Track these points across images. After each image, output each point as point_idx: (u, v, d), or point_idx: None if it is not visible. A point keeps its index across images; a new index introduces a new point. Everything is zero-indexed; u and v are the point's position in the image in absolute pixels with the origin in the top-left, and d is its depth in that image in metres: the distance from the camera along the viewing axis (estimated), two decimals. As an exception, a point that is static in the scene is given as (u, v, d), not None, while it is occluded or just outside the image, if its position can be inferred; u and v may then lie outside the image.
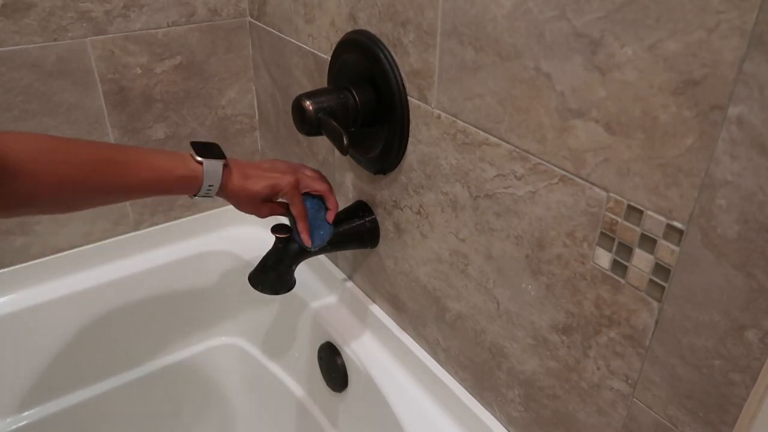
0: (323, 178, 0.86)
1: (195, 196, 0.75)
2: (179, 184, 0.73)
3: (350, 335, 0.98)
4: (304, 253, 0.87)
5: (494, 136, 0.64)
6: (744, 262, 0.45)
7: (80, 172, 0.64)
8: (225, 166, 0.75)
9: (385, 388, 0.89)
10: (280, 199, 0.82)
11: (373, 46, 0.77)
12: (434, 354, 0.88)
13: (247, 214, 0.82)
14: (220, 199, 0.79)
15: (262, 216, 0.82)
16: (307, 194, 0.84)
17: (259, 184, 0.78)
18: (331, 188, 0.86)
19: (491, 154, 0.66)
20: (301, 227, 0.83)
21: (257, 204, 0.80)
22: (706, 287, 0.49)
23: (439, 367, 0.87)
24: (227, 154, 0.77)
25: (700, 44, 0.44)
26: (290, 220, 0.84)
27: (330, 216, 0.86)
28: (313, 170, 0.86)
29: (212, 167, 0.74)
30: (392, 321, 0.95)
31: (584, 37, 0.52)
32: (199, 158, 0.73)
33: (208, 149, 0.75)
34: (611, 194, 0.54)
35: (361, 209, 0.92)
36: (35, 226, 1.06)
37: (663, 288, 0.52)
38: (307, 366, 1.08)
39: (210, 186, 0.74)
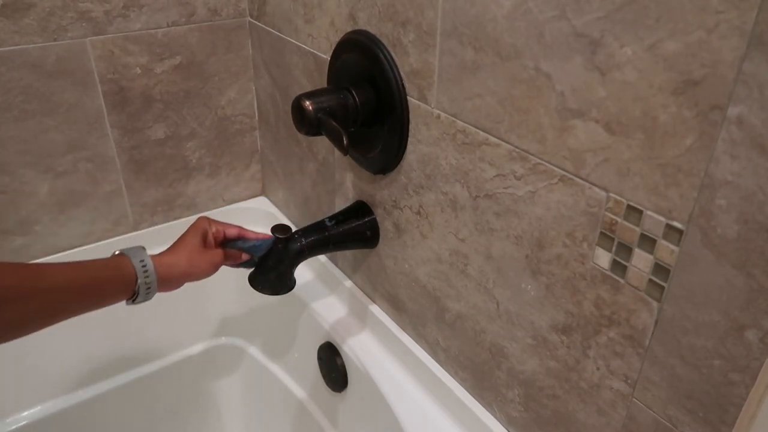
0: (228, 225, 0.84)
1: (136, 289, 0.68)
2: (108, 277, 0.66)
3: (350, 335, 0.98)
4: (304, 254, 0.87)
5: (494, 136, 0.64)
6: (744, 262, 0.45)
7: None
8: (143, 248, 0.71)
9: (385, 388, 0.89)
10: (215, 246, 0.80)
11: (372, 46, 0.77)
12: (434, 354, 0.88)
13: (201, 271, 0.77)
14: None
15: (219, 259, 0.79)
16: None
17: (185, 239, 0.76)
18: (238, 228, 0.84)
19: (491, 154, 0.66)
20: (249, 234, 0.83)
21: (202, 252, 0.76)
22: (705, 287, 0.49)
23: (439, 367, 0.87)
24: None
25: (700, 44, 0.44)
26: (239, 248, 0.83)
27: (259, 235, 0.85)
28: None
29: (134, 251, 0.70)
30: (392, 321, 0.95)
31: (584, 37, 0.52)
32: (117, 251, 0.69)
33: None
34: (611, 194, 0.54)
35: (361, 209, 0.92)
36: (35, 226, 1.06)
37: (663, 288, 0.52)
38: (307, 366, 1.08)
39: (143, 266, 0.68)
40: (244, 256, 0.84)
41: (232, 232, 0.82)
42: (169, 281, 0.72)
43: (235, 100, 1.18)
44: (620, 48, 0.49)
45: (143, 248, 0.71)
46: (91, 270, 0.65)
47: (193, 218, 1.21)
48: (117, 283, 0.67)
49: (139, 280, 0.68)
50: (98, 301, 0.65)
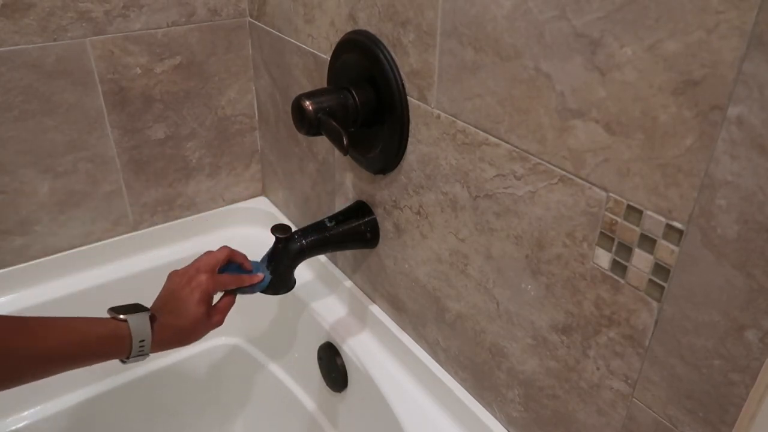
0: (217, 252, 0.80)
1: (127, 358, 0.68)
2: (103, 345, 0.66)
3: (350, 335, 0.98)
4: (304, 254, 0.87)
5: (494, 136, 0.64)
6: (744, 262, 0.45)
7: None
8: (152, 317, 0.70)
9: (385, 388, 0.89)
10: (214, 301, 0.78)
11: (372, 46, 0.77)
12: (434, 354, 0.88)
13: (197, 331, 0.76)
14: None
15: (221, 324, 0.77)
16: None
17: (190, 307, 0.72)
18: (227, 251, 0.80)
19: (491, 154, 0.66)
20: (247, 279, 0.81)
21: (206, 321, 0.75)
22: (705, 287, 0.49)
23: (439, 367, 0.87)
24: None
25: (700, 44, 0.44)
26: (238, 294, 0.81)
27: (254, 279, 0.82)
28: (204, 255, 0.79)
29: (138, 321, 0.68)
30: (392, 321, 0.95)
31: (584, 37, 0.52)
32: (121, 317, 0.67)
33: (129, 308, 0.70)
34: (611, 194, 0.54)
35: (361, 209, 0.92)
36: (35, 226, 1.06)
37: (663, 288, 0.52)
38: (307, 366, 1.08)
39: (141, 342, 0.68)
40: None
41: (231, 286, 0.80)
42: (165, 347, 0.72)
43: (235, 100, 1.18)
44: (620, 48, 0.49)
45: (147, 315, 0.69)
46: (86, 338, 0.65)
47: (193, 218, 1.22)
48: (110, 353, 0.67)
49: (131, 356, 0.68)
50: (86, 364, 0.66)
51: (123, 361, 0.69)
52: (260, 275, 0.82)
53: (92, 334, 0.65)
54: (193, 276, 0.74)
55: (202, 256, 0.78)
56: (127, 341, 0.67)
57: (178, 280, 0.75)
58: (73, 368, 0.65)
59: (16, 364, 0.60)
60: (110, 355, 0.67)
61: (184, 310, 0.72)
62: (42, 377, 0.62)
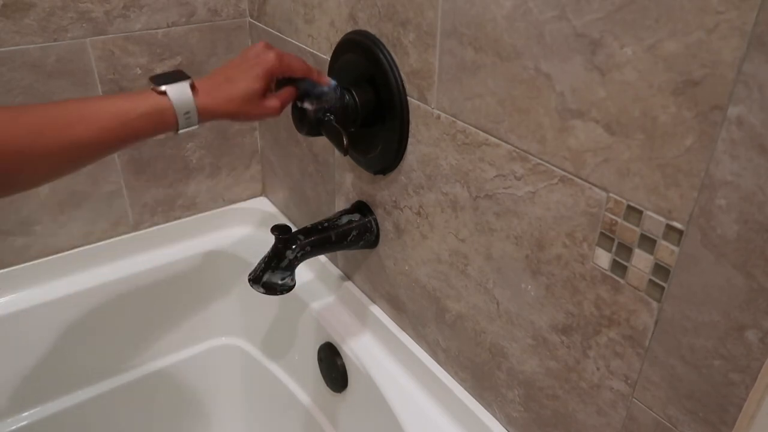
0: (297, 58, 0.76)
1: (177, 132, 0.66)
2: (148, 123, 0.63)
3: (350, 335, 0.98)
4: (304, 254, 0.87)
5: (494, 136, 0.65)
6: (744, 262, 0.45)
7: (25, 137, 0.55)
8: (192, 86, 0.66)
9: (385, 388, 0.89)
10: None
11: (372, 47, 0.77)
12: (434, 354, 0.88)
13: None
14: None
15: (277, 112, 0.73)
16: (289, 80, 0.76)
17: (248, 78, 0.69)
18: (306, 65, 0.76)
19: (491, 154, 0.66)
20: (314, 74, 0.76)
21: (259, 99, 0.70)
22: (705, 287, 0.49)
23: (439, 367, 0.87)
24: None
25: (700, 45, 0.44)
26: (301, 102, 0.76)
27: (323, 78, 0.78)
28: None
29: (178, 92, 0.64)
30: (392, 321, 0.95)
31: (584, 38, 0.52)
32: (161, 88, 0.63)
33: (169, 77, 0.66)
34: (611, 194, 0.54)
35: (361, 209, 0.92)
36: (35, 226, 1.06)
37: (663, 288, 0.52)
38: (307, 366, 1.08)
39: (186, 114, 0.65)
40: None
41: (298, 73, 0.75)
42: (216, 116, 0.69)
43: (235, 101, 1.18)
44: (620, 48, 0.49)
45: (187, 84, 0.65)
46: (124, 120, 0.62)
47: (193, 218, 1.22)
48: (156, 129, 0.65)
49: (180, 128, 0.66)
50: (133, 143, 0.64)
51: (175, 133, 0.67)
52: (329, 79, 0.79)
53: (132, 115, 0.62)
54: (261, 52, 0.71)
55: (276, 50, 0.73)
56: (170, 113, 0.64)
57: (245, 53, 0.72)
58: (120, 149, 0.63)
59: (62, 154, 0.58)
60: (157, 131, 0.65)
61: (240, 81, 0.69)
62: (86, 164, 0.61)
